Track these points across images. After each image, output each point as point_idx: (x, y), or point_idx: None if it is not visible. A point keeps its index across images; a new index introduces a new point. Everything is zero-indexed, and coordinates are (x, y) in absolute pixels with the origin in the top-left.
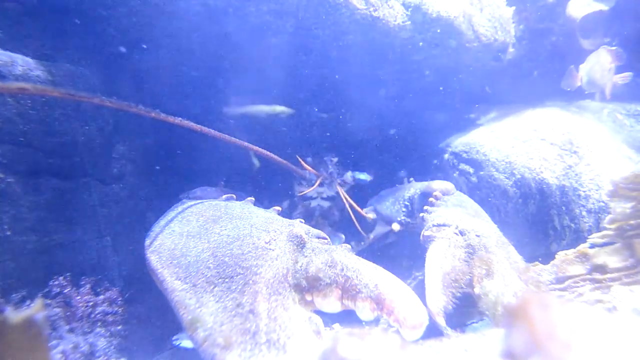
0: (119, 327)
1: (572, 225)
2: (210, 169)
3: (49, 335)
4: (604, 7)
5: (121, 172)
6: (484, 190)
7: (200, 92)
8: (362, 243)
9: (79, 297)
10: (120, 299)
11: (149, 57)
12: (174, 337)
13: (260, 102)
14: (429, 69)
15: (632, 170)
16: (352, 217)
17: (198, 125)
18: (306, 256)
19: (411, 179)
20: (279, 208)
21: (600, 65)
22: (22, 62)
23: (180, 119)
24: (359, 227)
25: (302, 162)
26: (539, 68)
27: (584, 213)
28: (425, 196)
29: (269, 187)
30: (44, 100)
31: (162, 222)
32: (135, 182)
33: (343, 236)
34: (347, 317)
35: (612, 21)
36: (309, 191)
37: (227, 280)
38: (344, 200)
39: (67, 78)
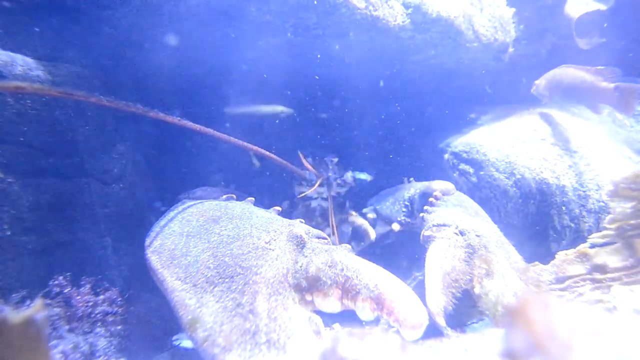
0: (119, 327)
1: (572, 225)
2: (211, 169)
3: (49, 335)
4: (602, 6)
5: (121, 172)
6: (484, 190)
7: (200, 92)
8: (362, 243)
9: (79, 297)
10: (120, 299)
11: (149, 57)
12: (174, 337)
13: (261, 102)
14: (429, 68)
15: (633, 170)
16: (333, 225)
17: (198, 125)
18: (306, 256)
19: (411, 179)
20: (279, 208)
21: (589, 86)
22: (22, 62)
23: (179, 118)
24: (337, 238)
25: (304, 160)
26: (539, 68)
27: (584, 213)
28: (425, 196)
29: (269, 187)
30: (44, 100)
31: (162, 222)
32: (135, 182)
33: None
34: (347, 317)
35: (610, 21)
36: (309, 192)
37: (227, 280)
38: (330, 210)
39: (67, 78)
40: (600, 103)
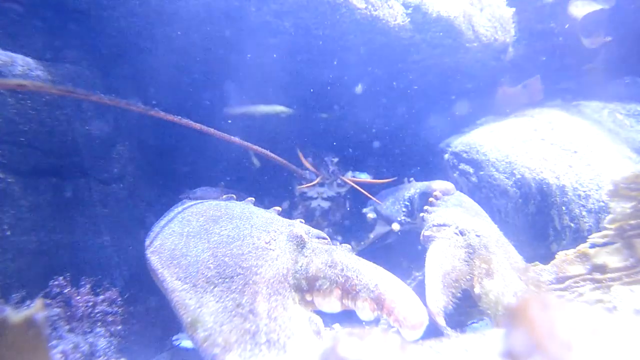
0: (119, 327)
1: (572, 225)
2: (211, 169)
3: (49, 335)
4: (605, 6)
5: (121, 172)
6: (484, 190)
7: (200, 92)
8: (362, 243)
9: (79, 297)
10: (120, 299)
11: (149, 57)
12: (174, 337)
13: (261, 102)
14: (429, 69)
15: (632, 170)
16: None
17: (198, 124)
18: (306, 256)
19: (411, 179)
20: (279, 208)
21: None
22: (22, 62)
23: (179, 117)
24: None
25: (302, 158)
26: (539, 68)
27: (584, 213)
28: (425, 196)
29: (269, 187)
30: (44, 100)
31: (162, 222)
32: (135, 182)
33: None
34: (347, 317)
35: (612, 20)
36: (307, 186)
37: (227, 280)
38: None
39: (67, 78)
40: (515, 105)
